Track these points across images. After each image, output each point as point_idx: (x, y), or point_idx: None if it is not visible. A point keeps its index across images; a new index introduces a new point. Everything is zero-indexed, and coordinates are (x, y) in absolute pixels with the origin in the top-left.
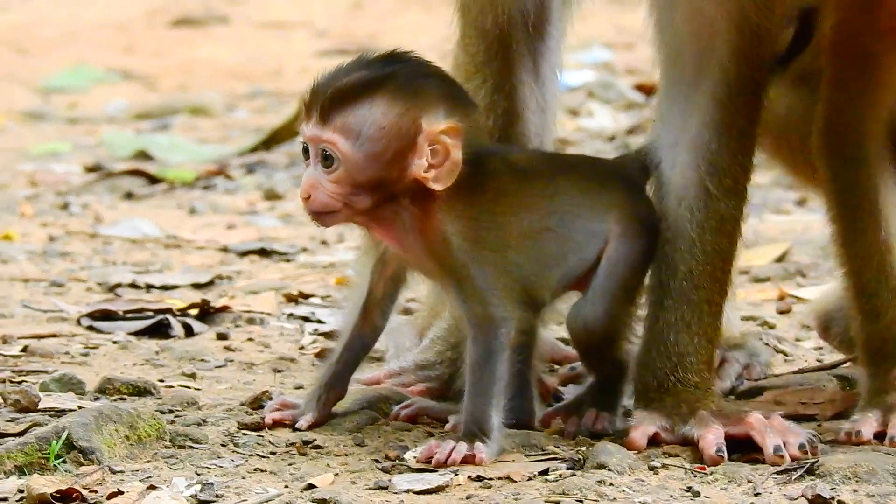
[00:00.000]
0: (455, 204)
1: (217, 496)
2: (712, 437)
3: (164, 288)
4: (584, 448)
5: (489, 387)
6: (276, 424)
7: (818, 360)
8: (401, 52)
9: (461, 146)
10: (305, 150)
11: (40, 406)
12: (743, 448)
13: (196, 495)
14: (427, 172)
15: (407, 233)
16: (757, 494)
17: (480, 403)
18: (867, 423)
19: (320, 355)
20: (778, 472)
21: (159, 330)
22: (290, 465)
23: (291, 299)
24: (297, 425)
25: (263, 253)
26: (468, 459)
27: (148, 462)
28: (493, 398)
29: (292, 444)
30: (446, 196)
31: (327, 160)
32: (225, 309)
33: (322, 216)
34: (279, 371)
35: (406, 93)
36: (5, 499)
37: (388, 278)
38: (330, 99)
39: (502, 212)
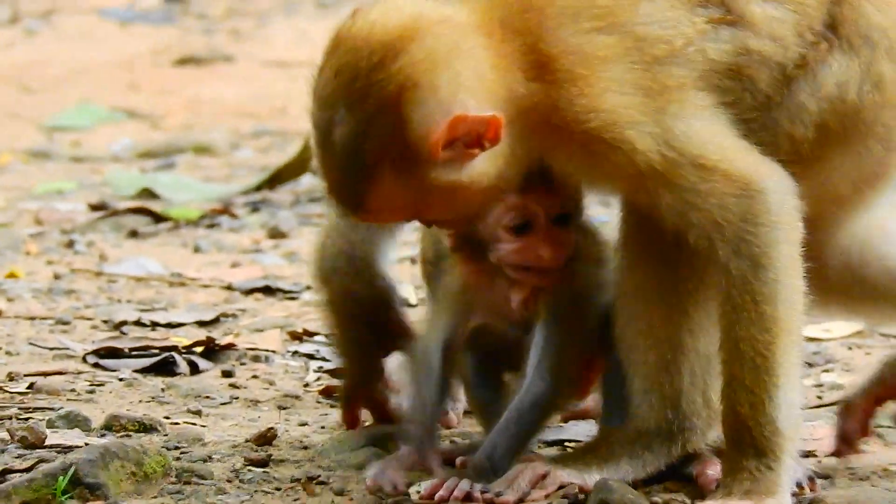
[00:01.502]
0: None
1: None
2: (711, 473)
3: (170, 326)
4: None
5: (522, 433)
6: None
7: (818, 398)
8: None
9: None
10: (524, 224)
11: (47, 442)
12: None
13: None
14: None
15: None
16: None
17: (504, 444)
18: None
19: (325, 392)
20: None
21: (165, 367)
22: (295, 500)
23: (296, 337)
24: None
25: (268, 291)
26: (470, 497)
27: (154, 498)
28: (518, 445)
29: (297, 479)
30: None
31: (566, 221)
32: (230, 346)
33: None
34: (284, 408)
35: None
36: None
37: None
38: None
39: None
